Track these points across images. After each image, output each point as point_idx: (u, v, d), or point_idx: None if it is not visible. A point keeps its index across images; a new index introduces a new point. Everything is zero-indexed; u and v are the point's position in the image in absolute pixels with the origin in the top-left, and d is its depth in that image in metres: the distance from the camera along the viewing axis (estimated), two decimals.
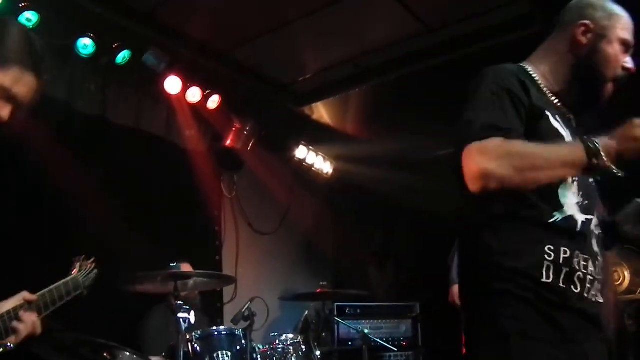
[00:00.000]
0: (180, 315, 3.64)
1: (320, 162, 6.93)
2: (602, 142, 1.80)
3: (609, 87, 2.03)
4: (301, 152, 6.69)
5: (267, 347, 4.02)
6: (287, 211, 6.57)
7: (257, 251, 6.23)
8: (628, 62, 2.03)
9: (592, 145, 1.78)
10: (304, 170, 6.79)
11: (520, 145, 1.81)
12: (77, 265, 3.04)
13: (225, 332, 3.92)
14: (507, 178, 1.77)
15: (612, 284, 5.85)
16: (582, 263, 1.91)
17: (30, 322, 2.46)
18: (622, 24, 2.03)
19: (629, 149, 1.80)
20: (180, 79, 5.30)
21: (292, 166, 6.68)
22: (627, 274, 6.30)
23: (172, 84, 5.29)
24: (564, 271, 1.88)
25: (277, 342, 4.03)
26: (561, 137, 1.95)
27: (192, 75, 5.39)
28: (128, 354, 3.82)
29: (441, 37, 5.23)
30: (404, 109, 5.71)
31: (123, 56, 4.88)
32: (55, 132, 4.49)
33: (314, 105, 6.26)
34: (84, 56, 4.71)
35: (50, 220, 4.49)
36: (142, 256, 4.62)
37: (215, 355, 3.84)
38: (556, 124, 1.97)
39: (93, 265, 3.11)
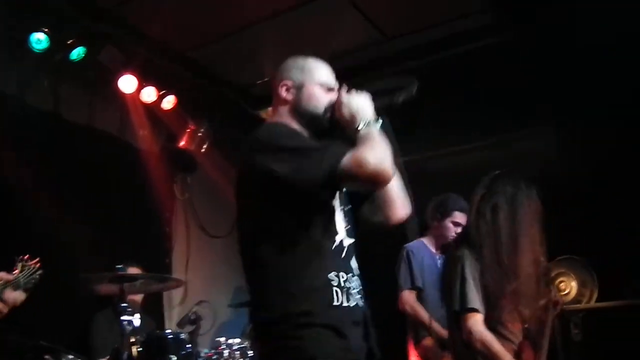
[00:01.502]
0: (124, 318, 3.60)
1: None
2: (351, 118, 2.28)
3: (327, 117, 2.40)
4: None
5: (213, 351, 3.99)
6: None
7: (209, 254, 6.18)
8: (334, 97, 2.41)
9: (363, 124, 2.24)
10: None
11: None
12: (19, 265, 2.95)
13: (170, 336, 3.89)
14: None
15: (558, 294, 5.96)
16: (352, 280, 2.30)
17: None
18: (317, 72, 2.47)
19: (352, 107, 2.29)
20: (136, 77, 5.25)
21: None
22: (574, 284, 6.41)
23: (127, 83, 5.23)
24: (346, 291, 2.25)
25: (223, 346, 4.00)
26: None
27: (148, 75, 5.34)
28: (72, 357, 3.77)
29: (400, 45, 5.28)
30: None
31: (78, 52, 4.81)
32: (5, 127, 4.41)
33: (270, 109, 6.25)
34: (38, 51, 4.62)
35: None
36: (91, 257, 4.57)
37: (159, 359, 3.80)
38: None
39: (37, 266, 3.02)
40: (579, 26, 4.79)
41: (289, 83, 2.45)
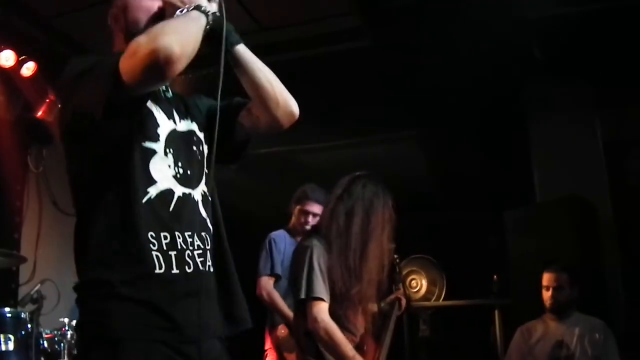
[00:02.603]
0: None
1: None
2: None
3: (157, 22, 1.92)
4: None
5: (55, 332, 3.84)
6: None
7: (61, 231, 5.86)
8: None
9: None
10: None
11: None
12: None
13: (9, 314, 3.68)
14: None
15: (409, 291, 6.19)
16: (188, 240, 1.90)
17: None
18: None
19: None
20: None
21: None
22: (424, 282, 6.69)
23: None
24: (173, 255, 1.85)
25: (67, 327, 3.85)
26: None
27: (7, 38, 5.03)
28: None
29: (273, 37, 5.28)
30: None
31: None
32: None
33: None
34: None
35: None
36: None
37: None
38: None
39: None
40: (439, 39, 4.99)
41: (114, 11, 2.06)
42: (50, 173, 5.82)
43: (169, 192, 1.89)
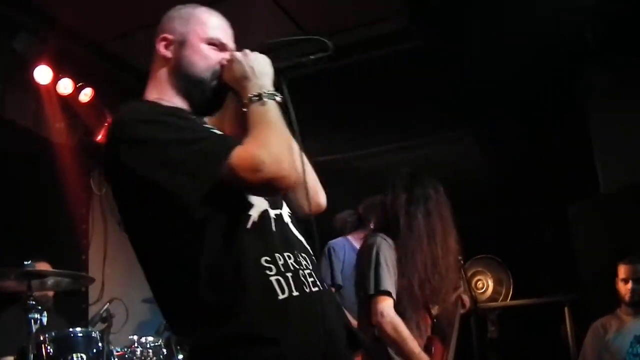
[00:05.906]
0: (31, 315, 3.49)
1: None
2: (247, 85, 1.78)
3: (215, 84, 1.88)
4: None
5: (125, 349, 3.91)
6: None
7: (127, 251, 5.98)
8: (226, 57, 1.89)
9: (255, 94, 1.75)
10: None
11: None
12: None
13: (80, 334, 3.78)
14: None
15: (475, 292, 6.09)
16: (297, 258, 1.76)
17: None
18: (204, 25, 1.92)
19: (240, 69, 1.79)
20: (51, 68, 5.09)
21: None
22: (490, 282, 6.59)
23: (42, 74, 5.07)
24: (290, 277, 1.71)
25: (136, 344, 3.93)
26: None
27: (64, 66, 5.18)
28: None
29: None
30: (284, 114, 5.74)
31: None
32: None
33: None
34: None
35: None
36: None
37: (69, 357, 3.68)
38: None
39: None
40: (489, 32, 4.90)
41: (170, 37, 1.91)
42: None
43: (267, 215, 1.77)
